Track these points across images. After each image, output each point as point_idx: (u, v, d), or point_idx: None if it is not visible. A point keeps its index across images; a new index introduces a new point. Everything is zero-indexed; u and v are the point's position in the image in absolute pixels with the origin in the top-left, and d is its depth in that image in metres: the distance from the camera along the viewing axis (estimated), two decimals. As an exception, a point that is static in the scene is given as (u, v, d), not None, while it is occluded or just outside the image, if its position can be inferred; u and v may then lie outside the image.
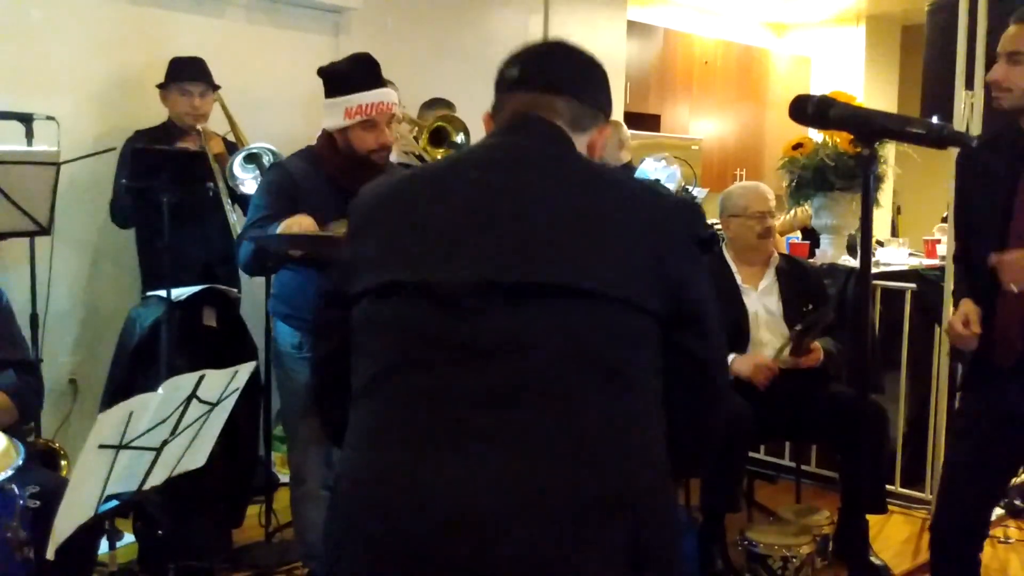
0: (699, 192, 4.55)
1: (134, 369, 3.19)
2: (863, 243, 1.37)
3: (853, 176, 4.22)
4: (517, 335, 1.17)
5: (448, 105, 4.21)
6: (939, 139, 1.33)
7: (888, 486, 3.71)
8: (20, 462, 1.91)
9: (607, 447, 1.16)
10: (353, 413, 1.27)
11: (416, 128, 3.81)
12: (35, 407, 2.57)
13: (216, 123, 3.73)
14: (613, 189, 1.28)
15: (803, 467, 3.95)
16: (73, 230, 3.63)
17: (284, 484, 3.50)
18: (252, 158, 3.45)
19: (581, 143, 1.37)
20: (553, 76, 1.38)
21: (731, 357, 3.21)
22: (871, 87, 8.02)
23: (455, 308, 1.20)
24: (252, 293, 3.73)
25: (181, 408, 2.01)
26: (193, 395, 2.02)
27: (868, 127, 1.32)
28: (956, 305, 2.34)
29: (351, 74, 2.73)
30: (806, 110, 1.35)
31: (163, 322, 3.08)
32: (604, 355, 1.18)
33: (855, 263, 4.30)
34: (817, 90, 7.91)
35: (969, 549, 2.45)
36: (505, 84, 1.40)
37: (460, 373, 1.18)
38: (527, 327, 1.18)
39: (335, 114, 2.70)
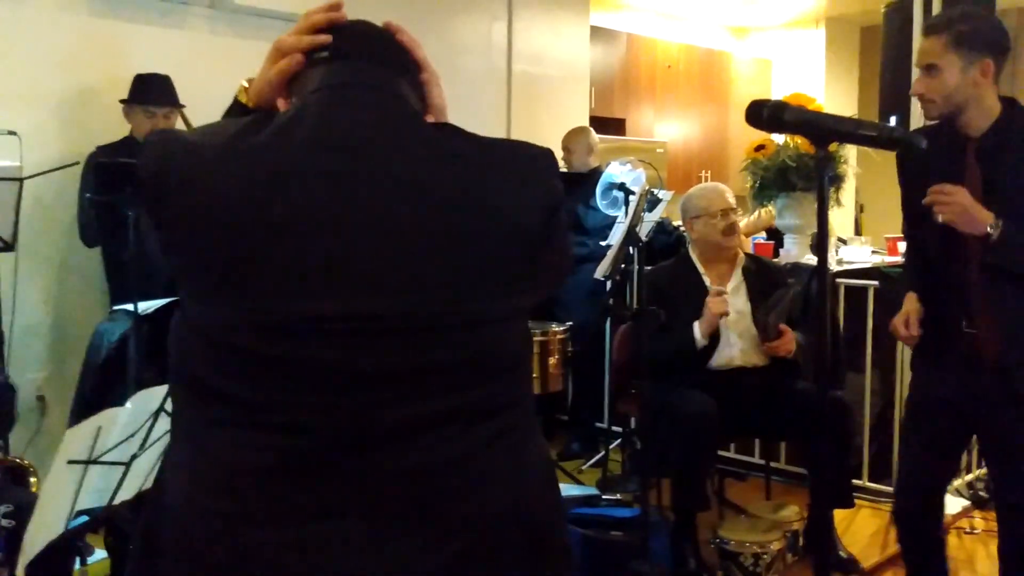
0: (664, 195, 4.59)
1: (102, 384, 3.17)
2: (819, 242, 1.41)
3: (814, 176, 4.29)
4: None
5: None
6: (889, 140, 1.37)
7: (856, 481, 3.76)
8: (-11, 480, 1.90)
9: None
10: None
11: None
12: (11, 418, 2.56)
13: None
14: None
15: (773, 464, 4.00)
16: (39, 246, 3.61)
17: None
18: None
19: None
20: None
21: (695, 327, 3.27)
22: (832, 88, 8.14)
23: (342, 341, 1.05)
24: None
25: (150, 422, 2.01)
26: (161, 408, 2.02)
27: (821, 130, 1.36)
28: (903, 297, 2.42)
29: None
30: (761, 115, 1.38)
31: (131, 336, 3.07)
32: None
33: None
34: (778, 92, 8.03)
35: (929, 527, 2.57)
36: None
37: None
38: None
39: None
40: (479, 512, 1.09)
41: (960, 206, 2.18)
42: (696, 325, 3.30)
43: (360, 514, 1.05)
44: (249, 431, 1.06)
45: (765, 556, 3.11)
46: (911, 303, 2.39)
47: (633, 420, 4.29)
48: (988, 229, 2.15)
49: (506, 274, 1.11)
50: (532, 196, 1.13)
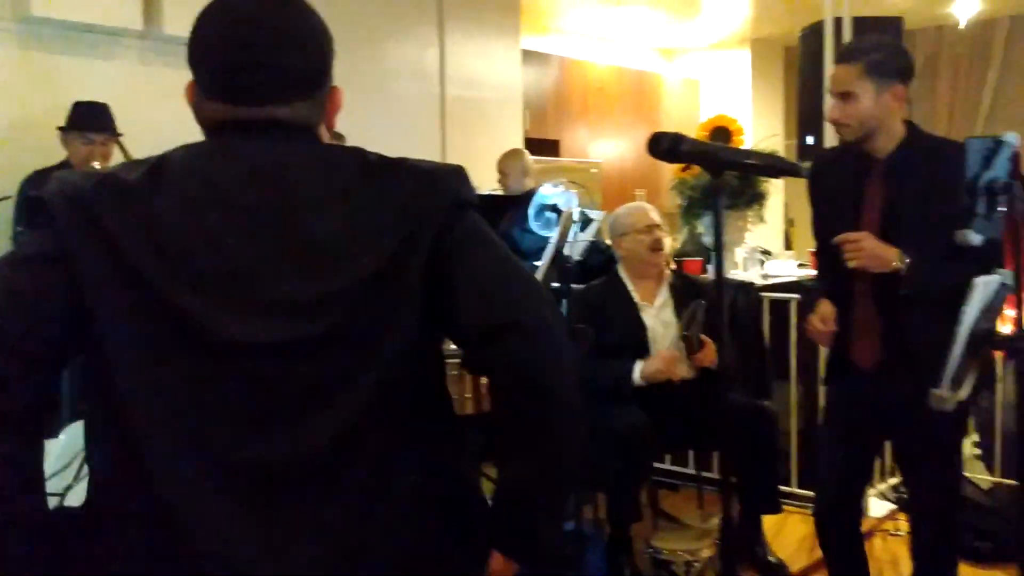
0: (596, 214, 4.69)
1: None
2: (716, 260, 1.51)
3: (739, 194, 4.46)
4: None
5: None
6: (774, 169, 1.49)
7: (784, 487, 3.89)
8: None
9: None
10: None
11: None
12: None
13: (117, 160, 3.75)
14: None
15: (706, 474, 4.12)
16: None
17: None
18: None
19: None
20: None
21: (636, 366, 3.36)
22: (758, 106, 8.39)
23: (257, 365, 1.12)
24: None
25: (83, 453, 2.04)
26: (96, 438, 2.05)
27: (713, 160, 1.47)
28: (814, 305, 2.54)
29: None
30: (661, 146, 1.48)
31: (65, 367, 3.06)
32: None
33: (744, 276, 4.52)
34: (707, 111, 8.25)
35: (848, 529, 2.67)
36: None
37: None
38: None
39: None
40: (338, 520, 1.15)
41: (867, 251, 2.29)
42: (638, 366, 3.37)
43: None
44: None
45: (696, 564, 3.22)
46: (825, 306, 2.49)
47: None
48: (896, 265, 2.25)
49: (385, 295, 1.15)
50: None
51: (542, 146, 6.98)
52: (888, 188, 2.36)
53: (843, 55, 2.45)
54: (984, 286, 1.45)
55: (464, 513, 1.26)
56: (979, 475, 4.03)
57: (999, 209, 1.47)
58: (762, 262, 5.09)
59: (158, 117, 4.19)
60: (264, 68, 1.18)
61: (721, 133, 4.59)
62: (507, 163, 5.00)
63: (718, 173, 1.45)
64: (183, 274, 1.12)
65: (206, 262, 1.12)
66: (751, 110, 8.18)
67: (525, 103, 6.59)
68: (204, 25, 1.20)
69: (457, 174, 1.22)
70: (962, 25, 7.60)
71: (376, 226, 1.14)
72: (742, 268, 4.78)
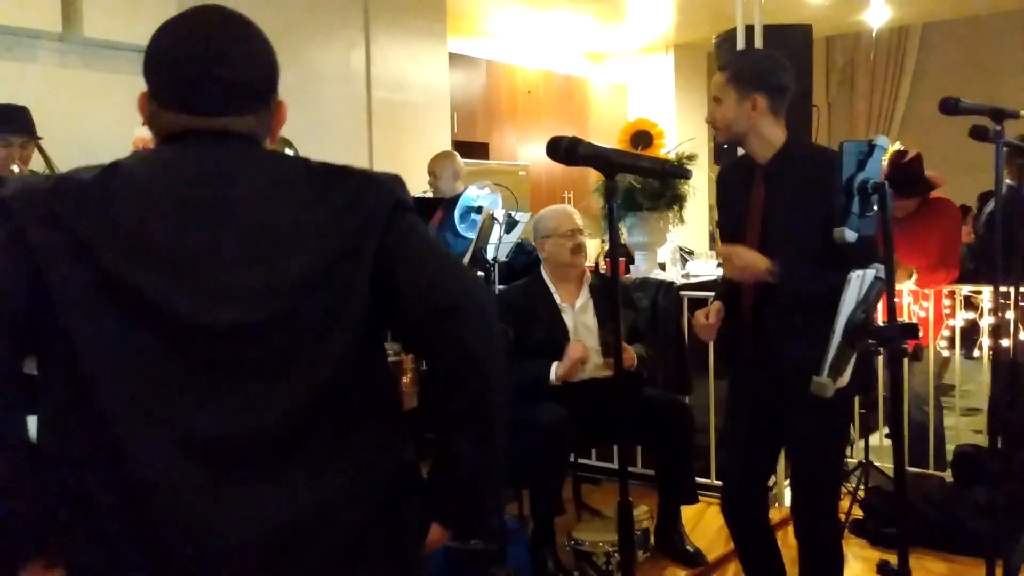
0: (522, 216, 4.78)
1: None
2: (611, 259, 1.59)
3: (659, 196, 4.57)
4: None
5: (286, 142, 4.31)
6: (662, 172, 1.59)
7: (703, 479, 4.01)
8: None
9: None
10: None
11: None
12: None
13: (35, 164, 3.71)
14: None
15: (630, 468, 4.22)
16: None
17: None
18: None
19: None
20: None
21: (552, 366, 3.44)
22: (682, 109, 8.58)
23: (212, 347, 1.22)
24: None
25: None
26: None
27: (608, 163, 1.56)
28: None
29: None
30: (559, 149, 1.57)
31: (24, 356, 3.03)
32: None
33: (664, 276, 4.64)
34: (635, 114, 8.41)
35: (755, 518, 2.78)
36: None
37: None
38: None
39: None
40: (299, 491, 1.25)
41: (738, 264, 2.46)
42: (554, 366, 3.46)
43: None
44: None
45: (616, 555, 3.30)
46: (714, 304, 2.65)
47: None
48: (768, 277, 2.40)
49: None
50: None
51: (471, 149, 7.05)
52: (767, 193, 2.50)
53: (719, 64, 2.64)
54: (859, 279, 1.55)
55: (408, 489, 1.37)
56: (888, 464, 4.20)
57: (873, 208, 1.59)
58: (684, 261, 5.22)
59: (78, 119, 4.18)
60: (219, 82, 1.27)
61: (643, 137, 4.70)
62: (438, 165, 5.05)
63: (612, 175, 1.54)
64: (139, 260, 1.20)
65: (160, 249, 1.21)
66: (675, 113, 8.36)
67: (454, 106, 6.64)
68: (162, 40, 1.30)
69: (397, 180, 1.35)
70: (874, 33, 7.88)
71: (321, 224, 1.26)
72: (666, 267, 4.91)
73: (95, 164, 1.26)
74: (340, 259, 1.26)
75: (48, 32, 4.12)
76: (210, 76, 1.27)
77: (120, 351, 1.20)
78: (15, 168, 3.58)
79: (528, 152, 7.77)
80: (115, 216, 1.21)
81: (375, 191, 1.31)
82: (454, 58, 6.68)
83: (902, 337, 1.46)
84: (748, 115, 2.46)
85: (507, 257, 4.63)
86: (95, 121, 4.22)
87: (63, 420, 1.24)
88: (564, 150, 1.55)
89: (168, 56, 1.29)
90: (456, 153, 5.24)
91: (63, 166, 3.71)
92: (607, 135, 8.46)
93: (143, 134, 3.13)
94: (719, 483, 4.15)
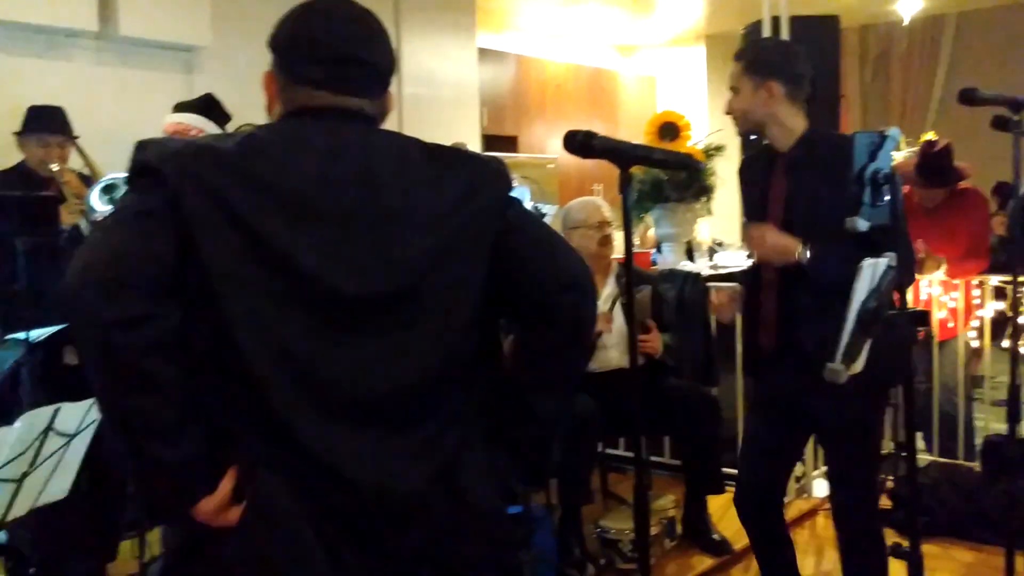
0: (549, 208, 4.81)
1: (-4, 411, 3.23)
2: (626, 252, 1.63)
3: (687, 187, 4.58)
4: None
5: None
6: (676, 163, 1.61)
7: (730, 469, 4.02)
8: None
9: None
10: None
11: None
12: None
13: (73, 163, 3.80)
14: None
15: (656, 458, 4.25)
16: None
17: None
18: (109, 189, 3.53)
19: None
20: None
21: None
22: (714, 101, 8.54)
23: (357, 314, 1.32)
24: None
25: (39, 440, 2.12)
26: (49, 427, 2.13)
27: (622, 156, 1.59)
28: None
29: (185, 102, 2.94)
30: (576, 142, 1.60)
31: (23, 364, 3.13)
32: None
33: (692, 267, 4.65)
34: (664, 107, 8.39)
35: (771, 514, 2.76)
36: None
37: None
38: None
39: None
40: (434, 444, 1.38)
41: (769, 244, 2.43)
42: None
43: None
44: None
45: (643, 543, 3.34)
46: (734, 287, 2.68)
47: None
48: (797, 256, 2.36)
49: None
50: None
51: (500, 142, 7.09)
52: (788, 181, 2.50)
53: (736, 54, 2.61)
54: (871, 268, 1.57)
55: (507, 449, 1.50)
56: (921, 455, 4.19)
57: (884, 198, 1.60)
58: (713, 252, 5.23)
59: (114, 117, 4.27)
60: (361, 65, 1.38)
61: (670, 129, 4.71)
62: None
63: (626, 167, 1.57)
64: (285, 226, 1.28)
65: (305, 216, 1.29)
66: (707, 105, 8.33)
67: (483, 100, 6.68)
68: (307, 22, 1.39)
69: (505, 166, 1.47)
70: (905, 22, 7.80)
71: (445, 206, 1.36)
72: (694, 257, 4.91)
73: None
74: (462, 240, 1.37)
75: (85, 31, 4.21)
76: (355, 59, 1.38)
77: (264, 311, 1.28)
78: (54, 167, 3.68)
79: (557, 145, 7.73)
80: (262, 183, 1.28)
81: (492, 177, 1.43)
82: (483, 53, 6.72)
83: (911, 324, 1.48)
84: (764, 103, 2.46)
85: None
86: (132, 119, 4.30)
87: (209, 376, 1.31)
88: (579, 144, 1.59)
89: (315, 37, 1.37)
90: (464, 144, 5.28)
91: (101, 164, 3.81)
92: (636, 128, 8.45)
93: (178, 119, 3.20)
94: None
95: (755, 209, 2.60)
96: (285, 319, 1.29)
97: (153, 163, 1.28)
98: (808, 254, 2.34)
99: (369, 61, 1.39)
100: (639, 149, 1.60)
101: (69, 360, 3.38)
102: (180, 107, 3.44)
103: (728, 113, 2.59)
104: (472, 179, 1.40)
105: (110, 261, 1.24)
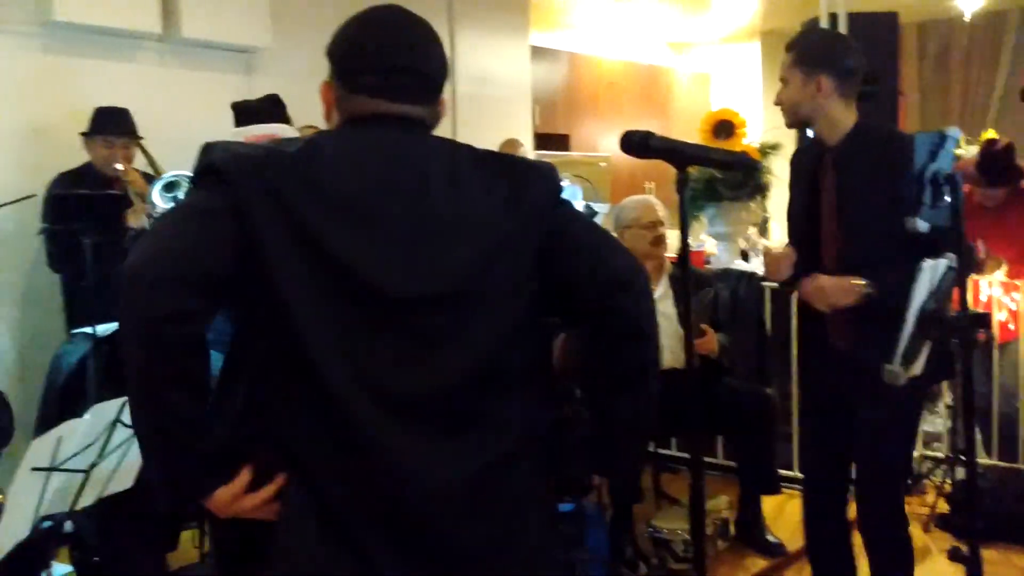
0: (601, 207, 4.81)
1: (63, 404, 3.31)
2: (682, 251, 1.64)
3: (740, 186, 4.56)
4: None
5: None
6: (734, 163, 1.61)
7: (787, 471, 3.99)
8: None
9: None
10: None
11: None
12: (9, 429, 2.73)
13: (138, 163, 3.90)
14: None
15: (709, 459, 4.23)
16: (3, 275, 3.75)
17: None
18: (171, 186, 3.61)
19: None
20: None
21: None
22: (768, 98, 8.40)
23: (415, 316, 1.35)
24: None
25: (107, 432, 2.19)
26: (118, 420, 2.20)
27: (679, 156, 1.59)
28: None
29: (253, 107, 2.99)
30: (633, 142, 1.61)
31: (89, 357, 3.22)
32: None
33: (746, 266, 4.62)
34: (717, 104, 8.33)
35: (836, 518, 2.71)
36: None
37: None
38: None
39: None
40: (489, 437, 1.40)
41: (828, 294, 2.39)
42: None
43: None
44: None
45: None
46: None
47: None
48: (864, 293, 2.30)
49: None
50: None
51: (552, 141, 7.10)
52: (838, 176, 2.45)
53: (786, 44, 2.57)
54: (931, 269, 1.55)
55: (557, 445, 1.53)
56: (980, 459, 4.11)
57: (944, 199, 1.58)
58: (746, 254, 5.17)
59: (177, 118, 4.36)
60: (417, 74, 1.43)
61: (724, 127, 4.68)
62: (519, 148, 5.18)
63: (683, 167, 1.57)
64: (342, 228, 1.32)
65: (360, 222, 1.33)
66: (761, 102, 8.24)
67: (535, 98, 6.69)
68: (364, 33, 1.44)
69: (554, 170, 1.50)
70: (966, 18, 7.64)
71: (494, 210, 1.39)
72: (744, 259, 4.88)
73: (292, 138, 1.38)
74: (510, 246, 1.40)
75: (148, 33, 4.30)
76: (412, 68, 1.42)
77: (325, 314, 1.31)
78: (118, 166, 3.77)
79: (609, 143, 7.77)
80: (321, 187, 1.32)
81: (540, 181, 1.46)
82: (536, 51, 6.73)
83: (973, 327, 1.46)
84: (813, 96, 2.42)
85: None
86: (193, 119, 4.38)
87: (272, 373, 1.35)
88: (636, 144, 1.60)
89: (371, 47, 1.42)
90: (520, 141, 5.31)
91: (164, 164, 3.90)
92: (689, 125, 8.38)
93: (268, 130, 3.22)
94: (801, 475, 4.18)
95: (803, 203, 2.55)
96: (338, 316, 1.32)
97: (218, 165, 1.33)
98: (872, 290, 2.28)
99: (423, 70, 1.43)
100: (696, 149, 1.60)
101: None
102: (238, 106, 3.49)
103: (777, 104, 2.55)
104: (520, 184, 1.43)
105: (167, 255, 1.28)
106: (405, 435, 1.34)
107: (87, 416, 2.09)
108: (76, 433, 2.07)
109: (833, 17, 3.98)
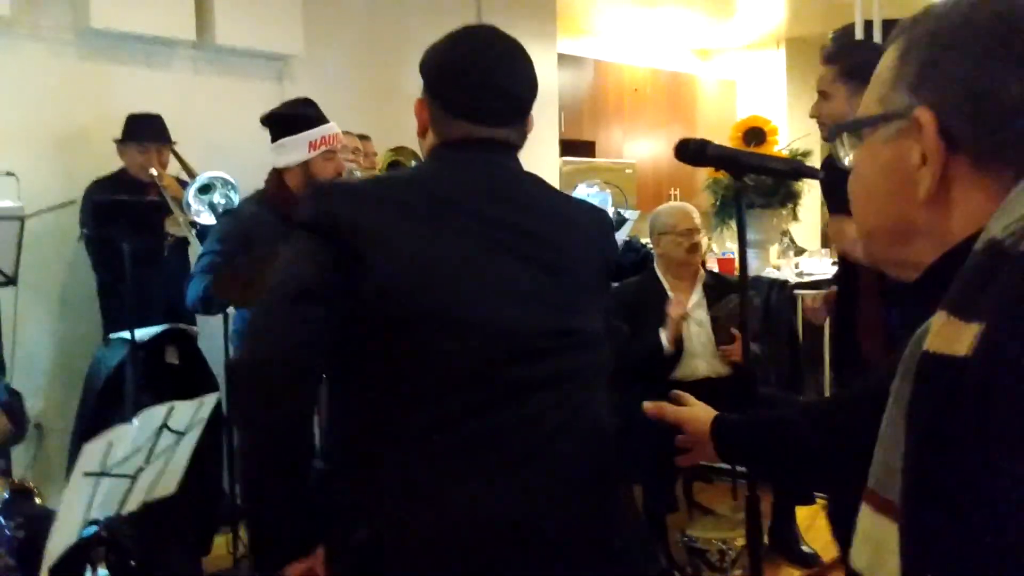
0: (631, 214, 4.81)
1: (101, 408, 3.35)
2: (740, 259, 1.62)
3: (772, 194, 4.54)
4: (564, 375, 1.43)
5: (365, 138, 4.45)
6: (794, 172, 1.60)
7: (818, 480, 3.97)
8: (7, 495, 2.08)
9: None
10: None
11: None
12: (26, 422, 2.75)
13: (172, 169, 3.92)
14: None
15: (738, 468, 4.21)
16: (38, 280, 3.77)
17: (248, 513, 3.69)
18: (206, 189, 3.64)
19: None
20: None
21: (661, 333, 3.50)
22: (793, 104, 8.42)
23: (520, 350, 1.38)
24: (208, 328, 3.90)
25: (153, 437, 2.20)
26: (164, 425, 2.21)
27: (737, 164, 1.58)
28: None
29: (306, 113, 2.98)
30: (688, 151, 1.60)
31: (127, 362, 3.24)
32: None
33: (777, 275, 4.61)
34: (743, 111, 8.30)
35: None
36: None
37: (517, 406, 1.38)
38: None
39: (295, 150, 2.94)
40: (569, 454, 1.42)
41: (847, 235, 2.37)
42: (662, 331, 3.51)
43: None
44: None
45: (730, 552, 3.31)
46: (827, 292, 2.60)
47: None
48: None
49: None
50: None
51: (577, 147, 7.09)
52: None
53: (825, 56, 2.53)
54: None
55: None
56: None
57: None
58: (795, 260, 5.16)
59: (211, 124, 4.39)
60: (509, 98, 1.47)
61: (755, 134, 4.67)
62: None
63: (740, 175, 1.56)
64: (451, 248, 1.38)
65: (468, 263, 1.37)
66: (786, 110, 8.21)
67: (560, 105, 6.69)
68: (458, 56, 1.48)
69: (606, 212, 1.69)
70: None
71: (586, 241, 1.50)
72: (780, 266, 4.86)
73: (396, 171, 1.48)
74: (596, 269, 1.51)
75: (183, 40, 4.32)
76: (505, 92, 1.46)
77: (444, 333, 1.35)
78: (153, 171, 3.80)
79: (634, 149, 7.77)
80: (431, 214, 1.37)
81: (603, 218, 1.60)
82: (561, 58, 6.72)
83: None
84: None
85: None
86: (227, 126, 4.42)
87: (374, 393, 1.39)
88: (692, 152, 1.59)
89: (468, 71, 1.45)
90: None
91: (198, 168, 3.92)
92: (715, 132, 8.36)
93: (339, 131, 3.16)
94: (833, 484, 4.15)
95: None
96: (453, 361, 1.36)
97: (337, 217, 1.35)
98: None
99: (518, 94, 1.47)
100: (754, 157, 1.60)
101: (171, 359, 3.50)
102: (273, 118, 3.46)
103: (815, 117, 2.51)
104: (596, 221, 1.57)
105: (292, 350, 1.33)
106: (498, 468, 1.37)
107: (135, 421, 2.10)
108: (126, 438, 2.07)
109: (868, 24, 3.96)
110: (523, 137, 1.52)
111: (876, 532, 0.76)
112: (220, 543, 3.65)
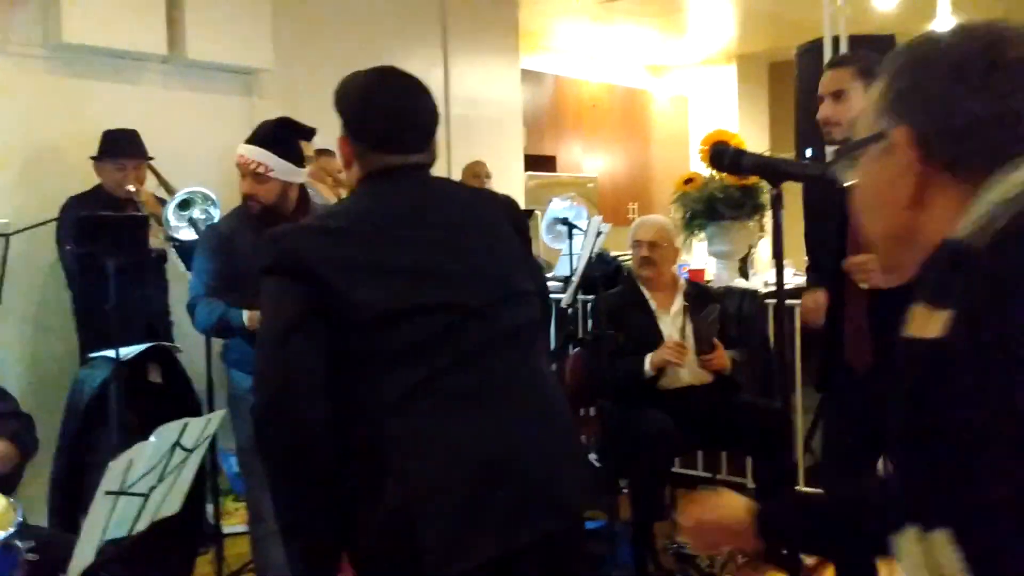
0: (604, 227, 4.86)
1: (84, 428, 3.28)
2: (777, 267, 1.67)
3: (740, 206, 4.63)
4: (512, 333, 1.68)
5: (328, 153, 4.43)
6: (824, 177, 1.64)
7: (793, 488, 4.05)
8: (20, 519, 2.04)
9: None
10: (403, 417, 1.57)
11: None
12: (33, 449, 2.70)
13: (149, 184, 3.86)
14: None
15: (716, 476, 4.27)
16: (13, 300, 3.67)
17: (228, 534, 3.65)
18: (185, 204, 3.59)
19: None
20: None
21: (646, 359, 3.52)
22: (744, 120, 8.61)
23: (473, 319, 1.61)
24: (189, 347, 3.83)
25: (167, 455, 2.17)
26: (177, 442, 2.18)
27: (775, 172, 1.62)
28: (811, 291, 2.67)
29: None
30: (723, 159, 1.64)
31: (111, 381, 3.18)
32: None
33: (747, 284, 4.70)
34: (695, 127, 8.47)
35: None
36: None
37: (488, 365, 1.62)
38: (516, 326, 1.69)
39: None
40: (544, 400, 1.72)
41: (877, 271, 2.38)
42: (648, 358, 3.54)
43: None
44: None
45: (719, 557, 3.37)
46: (819, 292, 2.64)
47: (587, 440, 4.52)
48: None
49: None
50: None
51: (539, 161, 7.15)
52: None
53: (836, 61, 2.57)
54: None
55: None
56: None
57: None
58: (761, 271, 5.26)
59: (179, 138, 4.34)
60: (423, 129, 1.72)
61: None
62: (484, 169, 5.36)
63: (777, 183, 1.61)
64: (419, 270, 1.63)
65: (419, 264, 1.63)
66: (738, 124, 8.39)
67: (523, 120, 6.75)
68: (376, 96, 1.71)
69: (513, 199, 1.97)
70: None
71: (503, 221, 1.78)
72: (744, 277, 4.96)
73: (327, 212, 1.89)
74: (518, 242, 1.80)
75: (154, 54, 4.27)
76: (416, 124, 1.72)
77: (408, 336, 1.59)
78: (131, 188, 3.74)
79: (593, 163, 7.86)
80: (374, 241, 1.61)
81: (510, 201, 1.88)
82: (524, 74, 6.79)
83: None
84: None
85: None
86: (198, 139, 4.38)
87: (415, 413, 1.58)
88: (729, 161, 1.63)
89: (386, 109, 1.70)
90: (483, 160, 5.44)
91: (170, 182, 3.88)
92: (668, 146, 8.52)
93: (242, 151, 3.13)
94: (807, 489, 4.23)
95: (831, 223, 2.52)
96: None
97: (296, 254, 1.58)
98: None
99: (424, 124, 1.72)
100: (791, 165, 1.64)
101: (154, 378, 3.44)
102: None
103: (826, 119, 2.52)
104: (506, 209, 1.83)
105: (297, 384, 1.53)
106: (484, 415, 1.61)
107: (152, 438, 2.07)
108: (144, 456, 2.05)
109: (835, 40, 4.09)
110: (433, 156, 1.74)
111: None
112: (202, 562, 3.59)
